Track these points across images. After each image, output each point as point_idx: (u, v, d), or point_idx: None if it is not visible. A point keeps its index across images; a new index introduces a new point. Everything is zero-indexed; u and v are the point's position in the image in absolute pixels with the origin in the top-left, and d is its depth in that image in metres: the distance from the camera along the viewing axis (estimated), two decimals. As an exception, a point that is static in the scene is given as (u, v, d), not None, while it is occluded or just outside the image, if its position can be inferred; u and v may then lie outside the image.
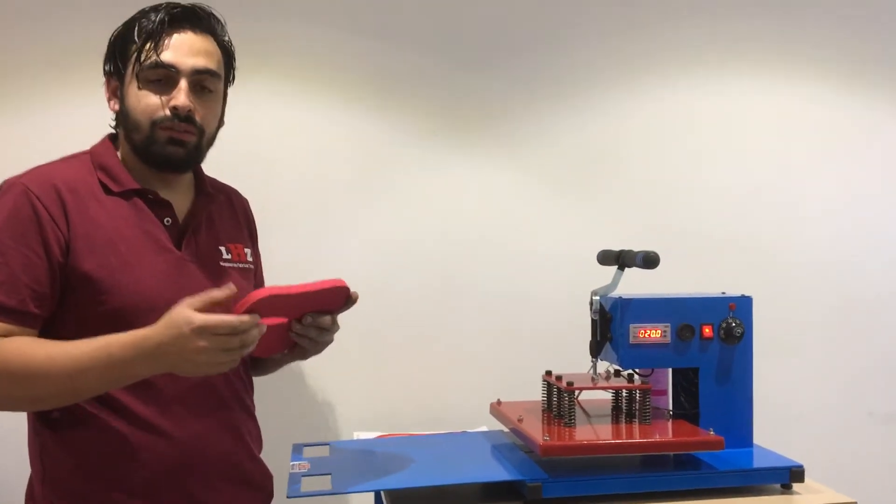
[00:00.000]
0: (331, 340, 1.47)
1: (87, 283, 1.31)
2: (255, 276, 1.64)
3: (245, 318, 1.18)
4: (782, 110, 2.40)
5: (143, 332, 1.21)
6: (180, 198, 1.47)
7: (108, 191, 1.38)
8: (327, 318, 1.41)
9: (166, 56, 1.37)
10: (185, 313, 1.17)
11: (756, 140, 2.39)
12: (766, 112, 2.40)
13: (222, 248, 1.51)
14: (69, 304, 1.32)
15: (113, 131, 1.49)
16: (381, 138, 2.20)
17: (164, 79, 1.38)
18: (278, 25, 2.13)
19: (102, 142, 1.47)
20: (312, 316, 1.39)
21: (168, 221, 1.42)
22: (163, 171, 1.43)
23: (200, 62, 1.40)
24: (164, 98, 1.37)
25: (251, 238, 1.66)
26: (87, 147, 1.47)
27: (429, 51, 2.23)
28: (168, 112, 1.37)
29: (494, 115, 2.26)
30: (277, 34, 2.13)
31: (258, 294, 1.21)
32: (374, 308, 2.13)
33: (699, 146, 2.36)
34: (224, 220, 1.56)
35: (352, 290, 1.36)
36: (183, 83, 1.38)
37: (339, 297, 1.38)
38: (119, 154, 1.44)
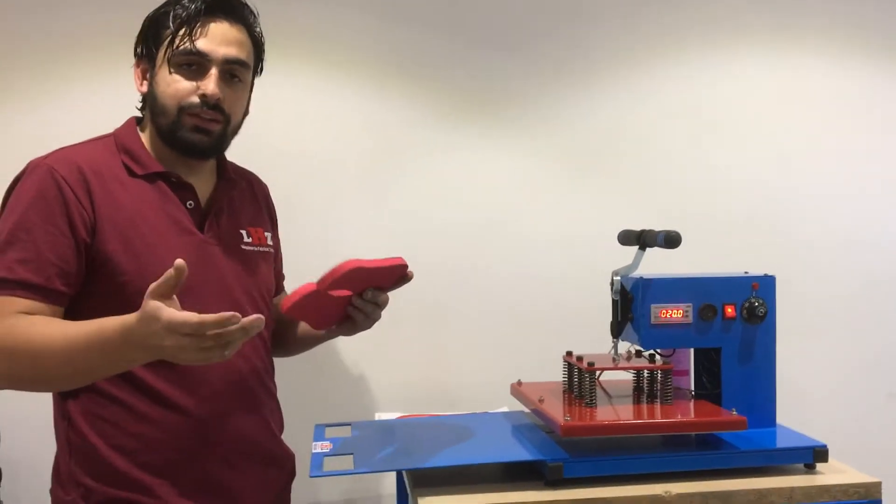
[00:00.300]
0: (380, 317, 1.53)
1: (111, 264, 1.32)
2: (275, 260, 1.65)
3: (210, 318, 1.08)
4: (806, 87, 2.37)
5: (127, 321, 1.15)
6: (203, 182, 1.48)
7: (131, 173, 1.40)
8: (384, 295, 1.49)
9: (200, 44, 1.38)
10: (154, 308, 1.10)
11: (779, 118, 2.36)
12: (790, 89, 2.36)
13: (243, 232, 1.53)
14: (93, 285, 1.33)
15: (138, 114, 1.50)
16: (394, 121, 2.19)
17: (195, 65, 1.39)
18: (287, 6, 2.12)
19: (126, 124, 1.48)
20: (372, 291, 1.45)
21: (191, 205, 1.44)
22: (186, 157, 1.44)
23: (232, 52, 1.41)
24: (193, 84, 1.38)
25: (272, 222, 1.67)
26: (104, 131, 1.47)
27: (443, 33, 2.21)
28: (197, 99, 1.38)
29: (509, 97, 2.25)
30: (286, 15, 2.12)
31: (346, 266, 1.26)
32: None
33: (719, 126, 2.34)
34: (245, 205, 1.57)
35: (409, 269, 1.43)
36: (214, 71, 1.39)
37: (397, 276, 1.44)
38: (143, 137, 1.45)
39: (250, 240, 1.53)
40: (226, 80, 1.41)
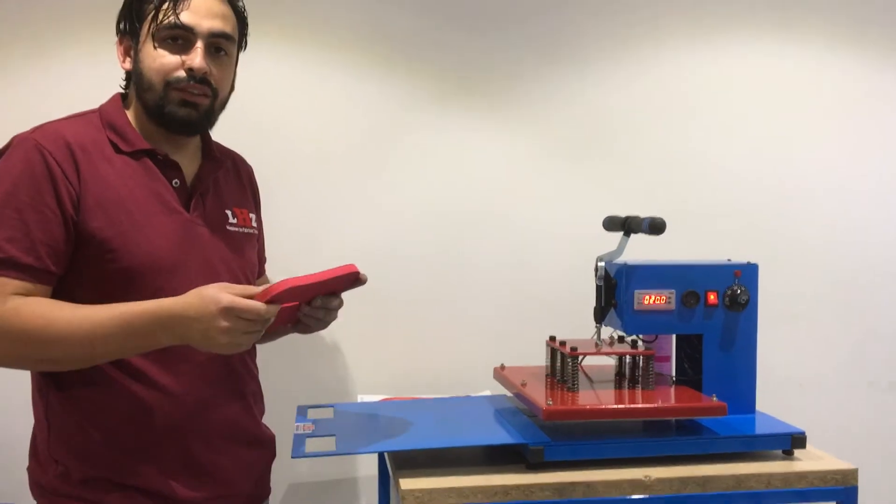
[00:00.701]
0: (335, 318, 1.49)
1: (97, 241, 1.31)
2: (257, 242, 1.65)
3: (271, 307, 1.21)
4: (791, 79, 2.37)
5: (166, 304, 1.23)
6: (188, 161, 1.47)
7: (117, 150, 1.38)
8: (336, 300, 1.45)
9: (184, 17, 1.36)
10: (216, 292, 1.20)
11: (766, 108, 2.36)
12: (775, 80, 2.37)
13: (228, 213, 1.52)
14: (79, 262, 1.32)
15: (122, 91, 1.48)
16: (386, 103, 2.18)
17: (180, 39, 1.37)
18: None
19: (112, 100, 1.46)
20: (322, 299, 1.42)
21: (176, 183, 1.42)
22: (174, 133, 1.42)
23: (217, 25, 1.39)
24: (179, 59, 1.37)
25: (255, 204, 1.66)
26: (89, 107, 1.45)
27: (436, 14, 2.20)
28: (183, 73, 1.36)
29: (501, 81, 2.24)
30: (278, -3, 2.10)
31: (280, 286, 1.22)
32: (380, 273, 2.13)
33: (707, 113, 2.34)
34: (230, 185, 1.56)
35: (361, 273, 1.38)
36: (200, 45, 1.37)
37: (349, 281, 1.40)
38: (129, 114, 1.44)
39: (235, 221, 1.52)
40: (211, 54, 1.40)
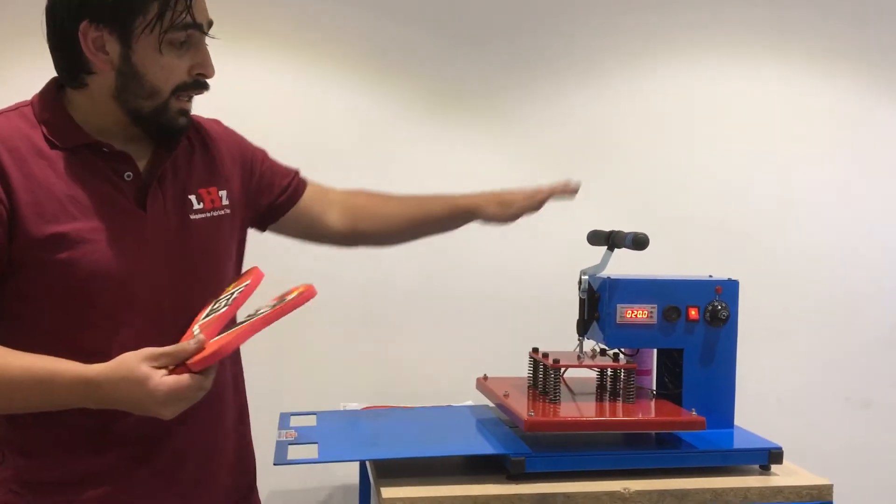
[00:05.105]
0: None
1: (37, 252, 1.16)
2: (272, 175, 1.49)
3: (205, 380, 1.12)
4: (776, 98, 2.41)
5: (90, 376, 1.11)
6: (143, 149, 1.28)
7: (53, 146, 1.20)
8: None
9: (197, 15, 1.21)
10: (144, 377, 1.08)
11: (750, 127, 2.40)
12: (760, 100, 2.40)
13: (192, 198, 1.31)
14: (22, 276, 1.17)
15: (55, 75, 1.26)
16: (374, 112, 2.19)
17: (187, 40, 1.21)
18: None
19: (44, 89, 1.26)
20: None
21: (129, 176, 1.23)
22: (160, 138, 1.28)
23: (209, 16, 1.25)
24: (185, 62, 1.22)
25: (239, 168, 1.43)
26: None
27: (426, 26, 2.22)
28: (188, 78, 1.23)
29: (489, 93, 2.26)
30: (267, 7, 2.10)
31: (214, 355, 1.11)
32: (363, 282, 2.14)
33: (692, 131, 2.37)
34: (195, 164, 1.35)
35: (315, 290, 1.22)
36: (204, 45, 1.24)
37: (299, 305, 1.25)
38: (74, 102, 1.24)
39: (201, 206, 1.32)
40: None
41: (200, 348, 1.11)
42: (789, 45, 2.41)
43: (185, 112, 1.26)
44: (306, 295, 1.19)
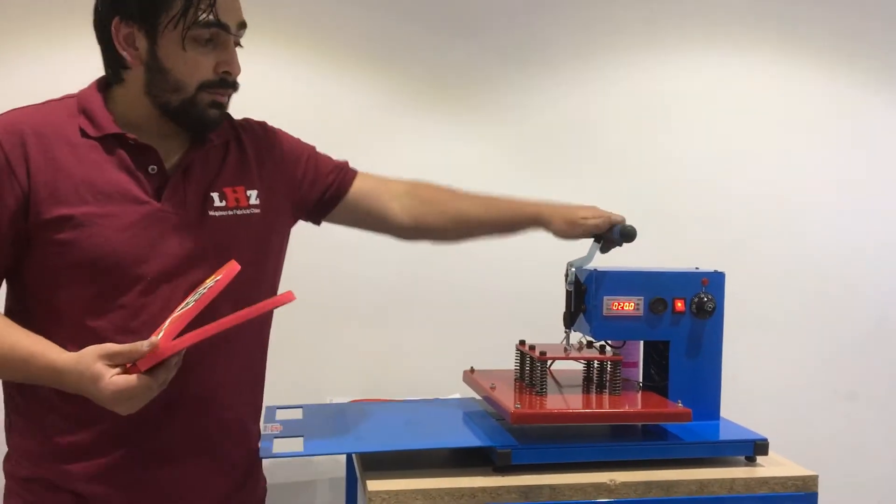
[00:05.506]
0: None
1: (50, 232, 1.24)
2: (317, 166, 1.54)
3: (159, 377, 1.14)
4: (759, 90, 2.42)
5: (58, 365, 1.17)
6: (176, 145, 1.35)
7: (85, 135, 1.28)
8: None
9: (222, 14, 1.26)
10: (97, 375, 1.13)
11: (738, 119, 2.40)
12: (744, 91, 2.41)
13: (215, 195, 1.36)
14: (36, 256, 1.26)
15: (103, 74, 1.36)
16: (354, 103, 2.19)
17: (213, 38, 1.27)
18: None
19: (91, 85, 1.35)
20: None
21: (153, 169, 1.30)
22: (194, 132, 1.33)
23: (241, 17, 1.31)
24: (213, 60, 1.28)
25: (284, 168, 1.49)
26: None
27: (407, 17, 2.21)
28: (216, 76, 1.29)
29: (472, 85, 2.26)
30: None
31: (152, 355, 1.13)
32: (349, 275, 2.14)
33: (680, 122, 2.37)
34: (228, 163, 1.40)
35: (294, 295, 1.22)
36: (231, 44, 1.30)
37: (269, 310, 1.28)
38: (114, 98, 1.33)
39: (223, 203, 1.36)
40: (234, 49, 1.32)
41: (153, 349, 1.13)
42: (783, 43, 2.41)
43: (218, 105, 1.31)
44: (281, 299, 1.20)
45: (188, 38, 1.25)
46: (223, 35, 1.28)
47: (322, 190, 1.54)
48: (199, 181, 1.35)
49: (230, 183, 1.38)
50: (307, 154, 1.55)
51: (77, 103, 1.32)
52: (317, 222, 1.60)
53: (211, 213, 1.35)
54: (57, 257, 1.25)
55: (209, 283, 1.26)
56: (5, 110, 1.32)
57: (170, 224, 1.30)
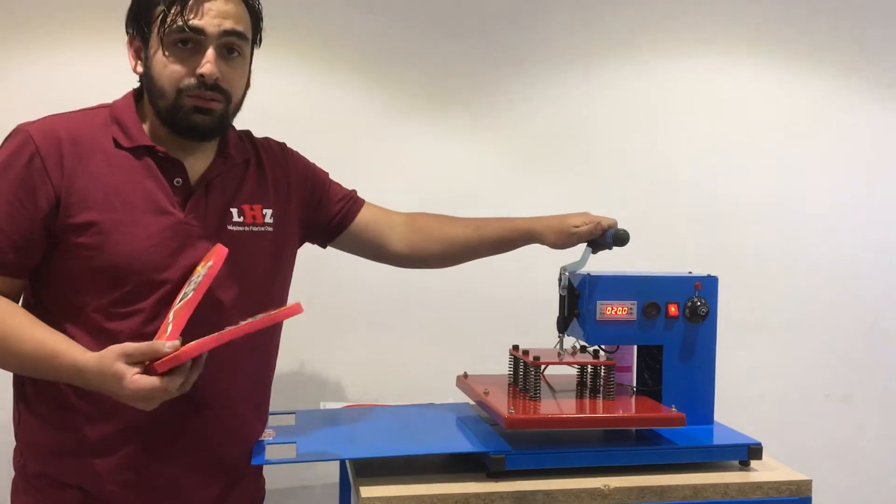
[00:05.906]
0: None
1: (77, 237, 1.29)
2: (327, 190, 1.62)
3: (177, 379, 1.18)
4: (754, 91, 2.42)
5: (80, 364, 1.21)
6: (200, 160, 1.40)
7: (118, 145, 1.34)
8: None
9: (194, 21, 1.29)
10: (119, 375, 1.17)
11: (730, 122, 2.41)
12: (738, 93, 2.41)
13: (234, 210, 1.42)
14: (60, 257, 1.30)
15: (138, 85, 1.42)
16: (348, 107, 2.18)
17: (190, 43, 1.31)
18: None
19: (126, 95, 1.41)
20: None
21: (178, 182, 1.36)
22: (187, 139, 1.36)
23: (228, 24, 1.32)
24: (190, 65, 1.31)
25: (299, 189, 1.56)
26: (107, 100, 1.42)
27: (400, 21, 2.21)
28: (194, 80, 1.31)
29: (466, 87, 2.25)
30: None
31: (170, 358, 1.17)
32: (342, 281, 2.13)
33: (673, 126, 2.38)
34: (247, 180, 1.46)
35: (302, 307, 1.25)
36: (210, 50, 1.31)
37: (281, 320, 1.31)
38: (142, 110, 1.39)
39: (241, 219, 1.43)
40: (223, 57, 1.33)
41: (175, 352, 1.17)
42: (772, 47, 2.41)
43: (201, 109, 1.33)
44: (290, 311, 1.23)
45: (166, 44, 1.30)
46: (200, 40, 1.31)
47: (330, 217, 1.62)
48: (219, 196, 1.41)
49: (248, 200, 1.45)
50: (320, 180, 1.63)
51: (110, 113, 1.37)
52: (323, 245, 1.68)
53: (229, 227, 1.41)
54: (82, 260, 1.29)
55: (202, 270, 1.30)
56: (42, 116, 1.36)
57: (191, 235, 1.36)
